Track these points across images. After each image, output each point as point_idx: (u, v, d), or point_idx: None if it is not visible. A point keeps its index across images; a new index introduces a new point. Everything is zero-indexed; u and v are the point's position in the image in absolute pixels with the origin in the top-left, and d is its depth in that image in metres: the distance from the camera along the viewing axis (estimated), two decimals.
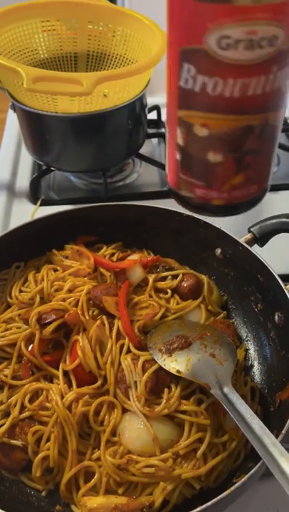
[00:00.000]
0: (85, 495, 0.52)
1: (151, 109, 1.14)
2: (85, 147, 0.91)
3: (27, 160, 1.08)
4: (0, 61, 0.78)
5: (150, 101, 1.01)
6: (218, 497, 0.46)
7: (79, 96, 0.79)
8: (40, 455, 0.54)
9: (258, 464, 0.47)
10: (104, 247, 0.76)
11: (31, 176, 1.04)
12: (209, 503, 0.46)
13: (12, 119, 1.20)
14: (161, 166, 1.03)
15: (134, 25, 0.94)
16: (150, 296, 0.69)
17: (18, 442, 0.55)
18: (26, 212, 0.95)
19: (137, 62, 0.94)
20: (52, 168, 0.98)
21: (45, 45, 0.97)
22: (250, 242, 0.68)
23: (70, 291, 0.67)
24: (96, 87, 0.75)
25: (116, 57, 1.00)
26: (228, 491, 0.46)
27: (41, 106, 0.84)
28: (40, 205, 0.96)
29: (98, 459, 0.55)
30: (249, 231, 0.69)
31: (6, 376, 0.59)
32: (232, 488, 0.47)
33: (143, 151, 1.03)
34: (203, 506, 0.45)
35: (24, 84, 0.74)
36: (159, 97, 1.16)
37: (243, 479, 0.47)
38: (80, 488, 0.53)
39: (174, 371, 0.57)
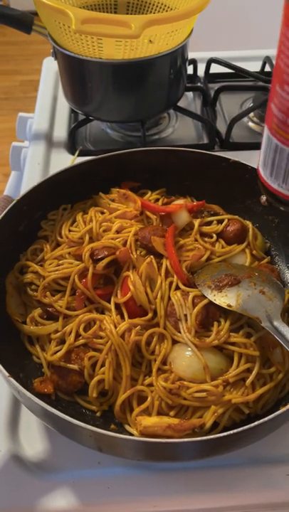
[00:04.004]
0: (138, 415, 0.55)
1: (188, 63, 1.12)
2: (126, 96, 0.90)
3: (63, 112, 1.08)
4: (47, 2, 0.77)
5: None
6: (267, 417, 0.49)
7: (127, 39, 0.78)
8: (96, 378, 0.57)
9: None
10: (149, 193, 0.77)
11: (68, 127, 1.04)
12: (256, 423, 0.48)
13: (48, 70, 1.19)
14: (199, 118, 1.03)
15: None
16: (195, 239, 0.70)
17: (74, 366, 0.58)
18: (65, 162, 0.95)
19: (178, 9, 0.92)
20: (90, 118, 0.98)
21: None
22: None
23: (117, 232, 0.69)
24: (144, 30, 0.74)
25: (156, 5, 0.98)
26: (276, 413, 0.49)
27: (86, 51, 0.84)
28: (78, 155, 0.97)
29: (150, 384, 0.57)
30: None
31: (60, 307, 0.62)
32: (279, 411, 0.49)
33: (180, 104, 1.02)
34: (256, 423, 0.48)
35: (73, 25, 0.74)
36: (195, 52, 1.15)
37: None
38: (134, 410, 0.56)
39: (224, 305, 0.59)
